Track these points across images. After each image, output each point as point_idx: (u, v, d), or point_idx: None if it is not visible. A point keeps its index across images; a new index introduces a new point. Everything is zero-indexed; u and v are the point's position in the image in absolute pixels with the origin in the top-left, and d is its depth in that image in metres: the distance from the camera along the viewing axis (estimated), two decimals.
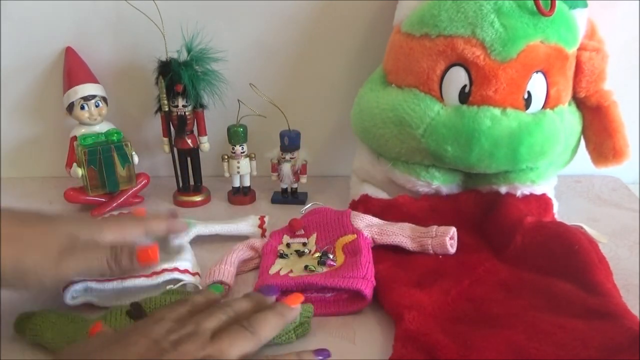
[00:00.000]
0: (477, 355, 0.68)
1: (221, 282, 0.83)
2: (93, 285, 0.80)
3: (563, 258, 0.82)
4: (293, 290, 0.80)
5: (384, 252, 0.88)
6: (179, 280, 0.83)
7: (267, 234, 0.97)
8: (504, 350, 0.68)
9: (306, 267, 0.85)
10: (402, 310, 0.75)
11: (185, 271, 0.84)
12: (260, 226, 0.99)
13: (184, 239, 0.93)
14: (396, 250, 0.88)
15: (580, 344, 0.69)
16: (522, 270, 0.84)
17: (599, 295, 0.76)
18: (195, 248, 0.93)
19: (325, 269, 0.84)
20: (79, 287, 0.80)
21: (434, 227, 0.89)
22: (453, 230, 0.87)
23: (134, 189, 1.09)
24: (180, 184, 1.13)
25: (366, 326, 0.78)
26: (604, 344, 0.68)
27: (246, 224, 0.99)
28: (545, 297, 0.78)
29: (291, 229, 0.95)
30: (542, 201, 0.95)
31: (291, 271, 0.85)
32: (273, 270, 0.86)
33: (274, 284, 0.80)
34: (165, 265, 0.83)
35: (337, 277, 0.80)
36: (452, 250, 0.87)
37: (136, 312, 0.74)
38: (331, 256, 0.86)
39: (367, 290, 0.79)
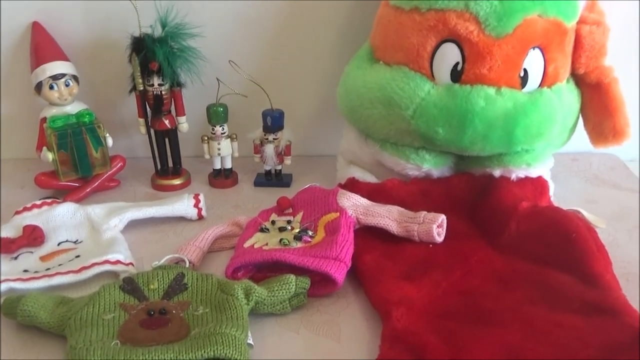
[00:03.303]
0: (469, 357, 0.64)
1: (183, 261, 0.81)
2: (16, 285, 0.77)
3: (560, 247, 0.78)
4: (263, 264, 0.78)
5: (372, 240, 0.84)
6: (114, 272, 0.80)
7: (204, 213, 0.96)
8: (497, 351, 0.65)
9: (281, 240, 0.82)
10: (390, 306, 0.71)
11: (117, 262, 0.81)
12: (196, 205, 0.96)
13: (116, 230, 0.89)
14: (385, 238, 0.84)
15: (578, 343, 0.65)
16: (516, 260, 0.80)
17: (598, 288, 0.72)
18: (131, 234, 0.91)
19: (299, 245, 0.81)
20: (1, 288, 0.76)
21: (423, 213, 0.84)
22: (442, 218, 0.83)
23: (109, 173, 1.04)
24: (159, 167, 1.07)
25: (352, 322, 0.74)
26: (604, 343, 0.65)
27: (181, 204, 0.95)
28: (541, 290, 0.74)
29: (280, 208, 0.92)
30: (538, 184, 0.90)
31: (266, 244, 0.82)
32: (248, 243, 0.83)
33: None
34: (95, 259, 0.80)
35: (308, 257, 0.76)
36: (439, 239, 0.83)
37: (129, 286, 0.74)
38: (310, 232, 0.83)
39: (338, 273, 0.75)
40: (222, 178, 1.07)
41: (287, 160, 1.05)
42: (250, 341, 0.68)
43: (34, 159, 1.05)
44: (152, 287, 0.74)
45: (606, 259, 0.77)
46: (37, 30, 1.03)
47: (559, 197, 0.96)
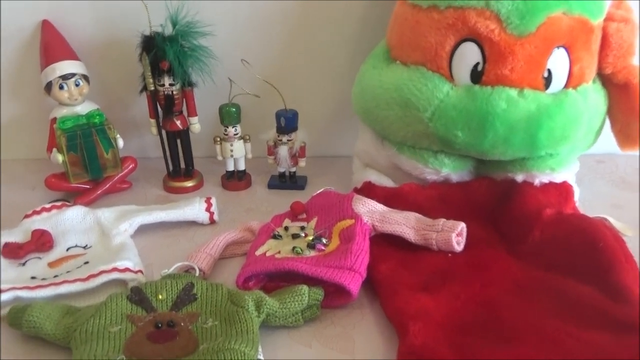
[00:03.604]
0: None
1: (193, 269, 0.79)
2: (23, 294, 0.74)
3: (586, 257, 0.75)
4: (275, 274, 0.75)
5: (388, 249, 0.81)
6: (122, 281, 0.78)
7: (216, 217, 0.93)
8: None
9: (294, 248, 0.79)
10: (407, 320, 0.68)
11: (126, 270, 0.78)
12: (208, 209, 0.93)
13: (126, 235, 0.87)
14: (401, 246, 0.81)
15: None
16: (539, 271, 0.76)
17: (627, 302, 0.68)
18: (141, 239, 0.89)
19: (313, 253, 0.78)
20: (7, 296, 0.74)
21: (442, 221, 0.81)
22: (462, 227, 0.80)
23: (120, 175, 1.02)
24: (170, 169, 1.05)
25: (367, 336, 0.71)
26: None
27: (192, 208, 0.93)
28: (565, 304, 0.70)
29: (293, 213, 0.89)
30: (563, 189, 0.87)
31: (279, 252, 0.79)
32: (260, 251, 0.80)
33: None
34: (103, 267, 0.77)
35: (321, 267, 0.73)
36: (459, 248, 0.79)
37: (137, 296, 0.71)
38: (324, 240, 0.80)
39: (352, 284, 0.72)
40: (235, 180, 1.04)
41: (302, 162, 1.02)
42: (260, 356, 0.66)
43: (46, 159, 1.03)
44: (160, 297, 0.71)
45: (635, 270, 0.73)
46: (46, 28, 1.01)
47: (584, 201, 0.92)
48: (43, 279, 0.79)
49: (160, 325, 0.68)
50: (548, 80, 0.82)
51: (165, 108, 0.99)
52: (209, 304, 0.71)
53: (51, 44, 1.00)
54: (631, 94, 0.87)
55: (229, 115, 0.98)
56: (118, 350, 0.65)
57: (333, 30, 1.03)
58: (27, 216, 0.90)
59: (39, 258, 0.83)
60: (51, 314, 0.70)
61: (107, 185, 1.01)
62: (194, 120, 1.02)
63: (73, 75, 0.98)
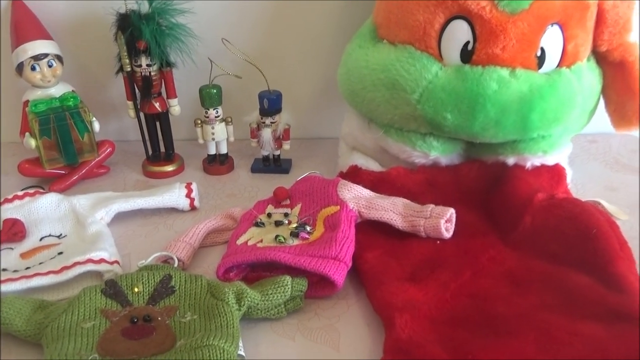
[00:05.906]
0: None
1: (172, 259, 0.76)
2: None
3: (579, 244, 0.72)
4: (256, 264, 0.72)
5: (375, 236, 0.78)
6: (97, 272, 0.74)
7: (197, 203, 0.90)
8: None
9: (276, 237, 0.75)
10: (393, 312, 0.65)
11: (101, 261, 0.75)
12: (188, 195, 0.90)
13: (102, 223, 0.84)
14: (389, 234, 0.78)
15: (600, 355, 0.59)
16: (531, 258, 0.74)
17: (621, 291, 0.66)
18: (118, 227, 0.86)
19: (296, 242, 0.75)
20: None
21: (430, 207, 0.78)
22: (451, 212, 0.77)
23: (97, 160, 0.98)
24: (150, 153, 1.01)
25: (352, 327, 0.68)
26: (627, 355, 0.59)
27: (172, 195, 0.89)
28: (558, 293, 0.68)
29: (276, 199, 0.86)
30: (555, 172, 0.84)
31: (261, 241, 0.76)
32: (241, 240, 0.77)
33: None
34: (77, 258, 0.74)
35: (305, 256, 0.70)
36: (447, 235, 0.76)
37: (112, 289, 0.68)
38: (308, 228, 0.78)
39: (337, 275, 0.69)
40: (217, 164, 1.01)
41: (286, 145, 0.98)
42: (241, 352, 0.63)
43: (20, 143, 0.99)
44: (136, 290, 0.68)
45: (629, 257, 0.71)
46: (17, 6, 0.97)
47: (576, 183, 0.90)
48: (15, 271, 0.75)
49: (136, 320, 0.65)
50: (541, 59, 0.79)
51: (143, 90, 0.95)
52: (187, 297, 0.68)
53: (22, 22, 0.95)
54: (627, 73, 0.84)
55: (209, 97, 0.95)
56: (91, 348, 0.62)
57: (318, 8, 1.00)
58: None
59: (11, 249, 0.80)
60: (22, 309, 0.66)
61: (84, 171, 0.97)
62: (174, 102, 0.98)
63: (46, 55, 0.93)
